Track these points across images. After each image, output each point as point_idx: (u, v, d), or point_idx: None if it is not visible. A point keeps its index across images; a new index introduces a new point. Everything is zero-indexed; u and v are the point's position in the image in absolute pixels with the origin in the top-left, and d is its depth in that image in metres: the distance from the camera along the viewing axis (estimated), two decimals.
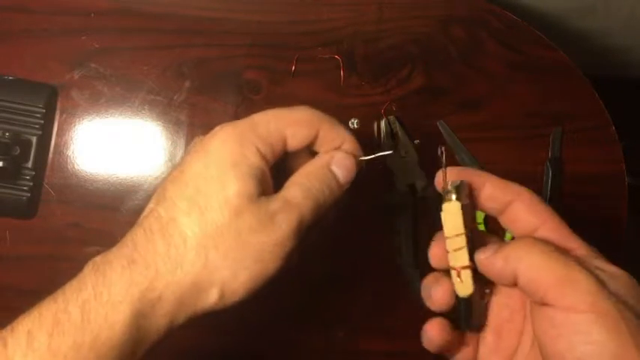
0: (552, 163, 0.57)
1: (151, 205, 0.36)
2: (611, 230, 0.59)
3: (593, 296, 0.30)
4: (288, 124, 0.37)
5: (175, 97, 0.53)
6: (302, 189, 0.37)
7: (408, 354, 0.56)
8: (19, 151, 0.49)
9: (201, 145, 0.37)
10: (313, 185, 0.37)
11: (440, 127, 0.56)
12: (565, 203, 0.58)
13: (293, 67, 0.54)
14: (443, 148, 0.36)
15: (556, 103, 0.58)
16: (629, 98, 0.80)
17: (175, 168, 0.37)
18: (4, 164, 0.48)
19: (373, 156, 0.41)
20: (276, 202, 0.36)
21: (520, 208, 0.35)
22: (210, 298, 0.34)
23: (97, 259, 0.34)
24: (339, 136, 0.39)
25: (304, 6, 0.55)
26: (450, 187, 0.34)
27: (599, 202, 0.59)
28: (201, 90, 0.53)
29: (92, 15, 0.52)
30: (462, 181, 0.34)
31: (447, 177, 0.35)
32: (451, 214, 0.34)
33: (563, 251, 0.32)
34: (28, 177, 0.50)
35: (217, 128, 0.37)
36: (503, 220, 0.36)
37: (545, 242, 0.33)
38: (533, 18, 0.65)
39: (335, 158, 0.38)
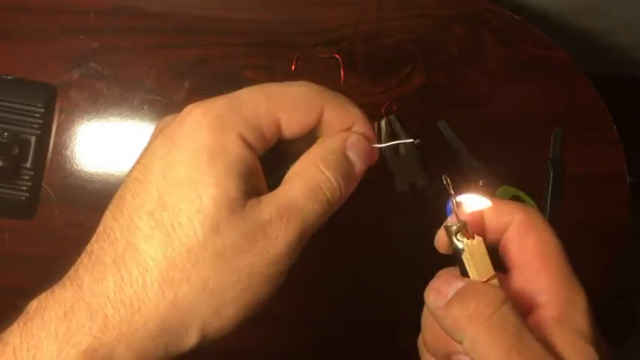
0: (553, 163, 0.57)
1: (106, 218, 0.28)
2: (612, 230, 0.59)
3: None
4: (282, 104, 0.29)
5: (175, 97, 0.53)
6: (305, 186, 0.28)
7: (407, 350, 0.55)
8: (17, 150, 0.49)
9: (168, 132, 0.28)
10: (323, 179, 0.28)
11: (440, 127, 0.56)
12: (566, 203, 0.58)
13: (293, 67, 0.54)
14: (447, 178, 0.29)
15: (557, 102, 0.58)
16: (631, 98, 0.80)
17: (137, 162, 0.29)
18: (2, 164, 0.48)
19: (392, 143, 0.34)
20: (268, 206, 0.27)
21: (513, 231, 0.29)
22: (187, 343, 0.27)
23: (34, 303, 0.27)
24: (349, 116, 0.30)
25: (304, 5, 0.54)
26: (456, 226, 0.28)
27: (601, 202, 0.58)
28: (201, 90, 0.53)
29: (91, 14, 0.52)
30: (464, 223, 0.29)
31: (456, 210, 0.29)
32: (478, 254, 0.28)
33: (516, 338, 0.25)
34: (27, 177, 0.50)
35: (187, 108, 0.28)
36: (500, 248, 0.30)
37: (501, 319, 0.25)
38: (534, 17, 0.64)
39: (349, 141, 0.30)
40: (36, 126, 0.50)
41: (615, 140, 0.58)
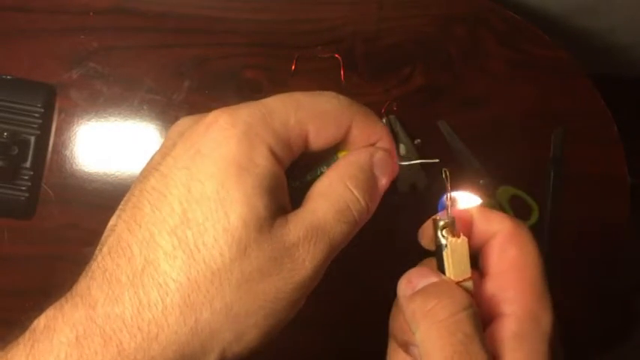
0: (554, 163, 0.57)
1: (119, 228, 0.25)
2: (612, 230, 0.59)
3: None
4: (312, 117, 0.27)
5: (174, 97, 0.53)
6: (334, 206, 0.27)
7: None
8: (17, 151, 0.49)
9: (191, 138, 0.26)
10: (351, 199, 0.27)
11: (440, 127, 0.56)
12: (567, 203, 0.57)
13: (293, 67, 0.54)
14: (447, 171, 0.29)
15: (557, 102, 0.58)
16: (631, 98, 0.80)
17: (155, 168, 0.26)
18: (2, 164, 0.48)
19: (416, 161, 0.33)
20: (295, 227, 0.25)
21: (498, 239, 0.29)
22: None
23: (41, 321, 0.24)
24: (375, 131, 0.29)
25: (304, 5, 0.54)
26: (444, 221, 0.28)
27: (601, 202, 0.58)
28: (201, 89, 0.53)
29: (91, 14, 0.52)
30: (452, 219, 0.29)
31: (449, 207, 0.29)
32: (459, 253, 0.28)
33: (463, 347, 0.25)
34: (26, 177, 0.50)
35: (214, 115, 0.26)
36: (482, 253, 0.30)
37: (453, 328, 0.25)
38: (535, 17, 0.64)
39: (376, 157, 0.29)
40: (35, 126, 0.50)
41: (615, 140, 0.58)
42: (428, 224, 0.30)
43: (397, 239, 0.55)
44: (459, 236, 0.28)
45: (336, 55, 0.54)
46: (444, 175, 0.29)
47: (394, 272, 0.56)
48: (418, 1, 0.56)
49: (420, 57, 0.56)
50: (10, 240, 0.51)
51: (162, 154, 0.27)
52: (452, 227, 0.28)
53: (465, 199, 0.31)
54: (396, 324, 0.30)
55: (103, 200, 0.52)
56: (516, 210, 0.56)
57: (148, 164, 0.28)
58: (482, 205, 0.30)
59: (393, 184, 0.54)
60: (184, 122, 0.28)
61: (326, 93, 0.28)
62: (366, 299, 0.55)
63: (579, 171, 0.58)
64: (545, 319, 0.27)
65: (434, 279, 0.28)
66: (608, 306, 0.61)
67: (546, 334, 0.27)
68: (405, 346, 0.29)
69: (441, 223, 0.28)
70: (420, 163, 0.54)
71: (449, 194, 0.29)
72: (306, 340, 0.55)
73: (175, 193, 0.25)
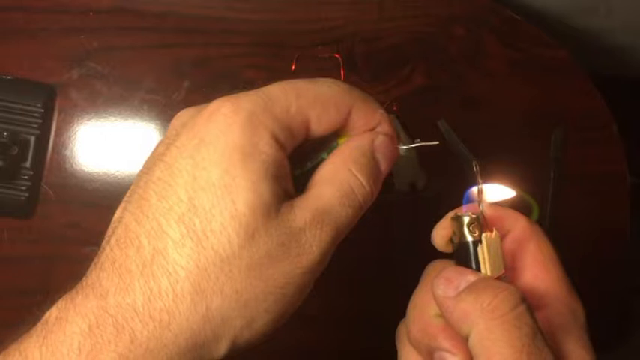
0: (554, 163, 0.57)
1: (126, 219, 0.26)
2: (612, 230, 0.59)
3: None
4: (313, 103, 0.27)
5: (174, 97, 0.53)
6: (340, 190, 0.27)
7: None
8: (17, 150, 0.49)
9: (194, 128, 0.26)
10: (356, 183, 0.27)
11: (440, 126, 0.56)
12: (567, 203, 0.57)
13: (293, 67, 0.54)
14: (477, 165, 0.29)
15: (557, 102, 0.58)
16: (631, 98, 0.80)
17: (159, 159, 0.26)
18: (2, 164, 0.48)
19: (416, 144, 0.33)
20: (302, 212, 0.26)
21: (516, 235, 0.29)
22: (216, 355, 0.25)
23: (53, 312, 0.25)
24: (375, 116, 0.29)
25: (304, 5, 0.54)
26: (470, 217, 0.27)
27: (601, 202, 0.58)
28: (201, 89, 0.53)
29: (91, 14, 0.52)
30: (482, 214, 0.28)
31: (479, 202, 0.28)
32: (494, 248, 0.27)
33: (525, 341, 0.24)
34: (26, 177, 0.50)
35: (216, 104, 0.26)
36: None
37: (512, 324, 0.25)
38: (535, 17, 0.64)
39: (377, 142, 0.29)
40: (35, 126, 0.50)
41: (615, 140, 0.58)
42: (445, 222, 0.29)
43: (396, 238, 0.55)
44: (491, 231, 0.27)
45: (336, 55, 0.54)
46: (474, 169, 0.29)
47: (393, 271, 0.56)
48: (418, 1, 0.56)
49: (420, 57, 0.56)
50: (10, 240, 0.51)
51: (166, 144, 0.27)
52: (484, 222, 0.28)
53: (496, 192, 0.30)
54: (417, 331, 0.29)
55: (103, 200, 0.52)
56: (516, 210, 0.56)
57: (151, 155, 0.28)
58: (514, 197, 0.30)
59: (392, 184, 0.54)
60: (186, 113, 0.29)
61: (325, 79, 0.28)
62: (365, 298, 0.55)
63: (579, 171, 0.58)
64: (580, 311, 0.28)
65: (472, 277, 0.27)
66: (608, 306, 0.60)
67: (586, 328, 0.27)
68: (429, 353, 0.28)
69: (467, 219, 0.28)
70: (420, 164, 0.54)
71: (480, 187, 0.29)
72: (306, 336, 0.55)
73: (181, 182, 0.25)
